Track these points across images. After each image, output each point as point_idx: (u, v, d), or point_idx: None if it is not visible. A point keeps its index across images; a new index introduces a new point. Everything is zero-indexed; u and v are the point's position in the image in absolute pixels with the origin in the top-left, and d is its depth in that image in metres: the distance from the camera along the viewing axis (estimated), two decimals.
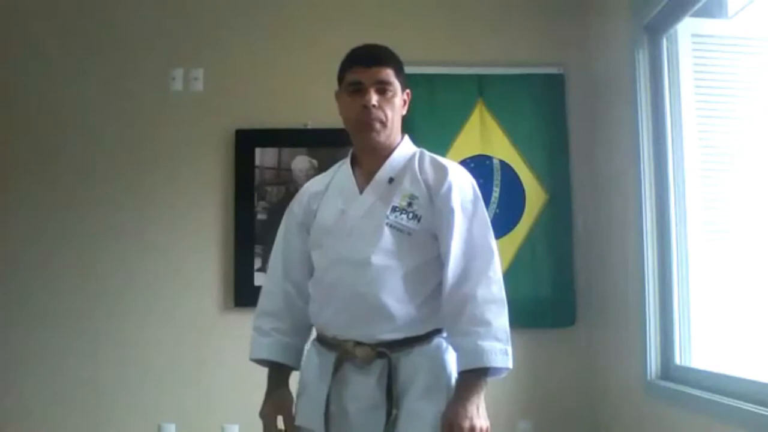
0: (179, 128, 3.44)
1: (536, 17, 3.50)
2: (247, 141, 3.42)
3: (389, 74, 1.75)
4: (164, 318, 3.34)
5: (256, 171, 3.40)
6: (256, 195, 3.39)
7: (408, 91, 1.83)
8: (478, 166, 3.40)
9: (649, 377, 2.80)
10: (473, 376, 1.64)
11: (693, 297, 2.69)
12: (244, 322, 3.29)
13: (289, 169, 3.37)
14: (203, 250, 3.39)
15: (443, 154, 3.31)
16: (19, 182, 3.40)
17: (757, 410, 2.07)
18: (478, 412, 1.62)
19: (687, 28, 2.76)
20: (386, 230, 1.70)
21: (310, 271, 1.83)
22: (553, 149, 3.45)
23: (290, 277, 1.86)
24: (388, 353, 1.66)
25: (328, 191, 1.83)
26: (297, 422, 1.78)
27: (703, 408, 2.38)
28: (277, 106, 3.41)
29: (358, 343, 1.68)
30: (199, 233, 3.40)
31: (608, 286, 3.26)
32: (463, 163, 3.36)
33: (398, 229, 1.70)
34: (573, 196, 3.44)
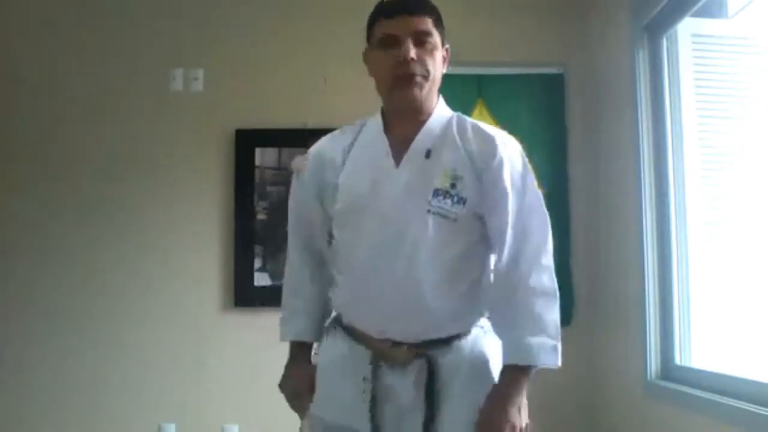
0: (179, 128, 3.44)
1: (536, 17, 3.50)
2: (247, 141, 3.42)
3: (428, 23, 1.54)
4: (164, 318, 3.34)
5: (256, 171, 3.39)
6: (256, 195, 3.39)
7: (447, 47, 1.61)
8: None
9: (649, 377, 2.80)
10: (518, 373, 1.50)
11: (693, 297, 2.70)
12: (244, 322, 3.33)
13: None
14: (203, 250, 3.39)
15: None
16: (18, 182, 3.40)
17: (757, 410, 2.07)
18: (520, 413, 1.49)
19: (687, 28, 2.76)
20: (429, 218, 1.49)
21: (330, 238, 1.64)
22: (552, 149, 3.44)
23: (312, 247, 1.70)
24: (427, 353, 1.51)
25: (350, 158, 1.59)
26: (315, 411, 1.62)
27: (703, 408, 2.38)
28: (277, 106, 3.41)
29: (396, 344, 1.51)
30: (199, 233, 3.40)
31: (608, 286, 3.26)
32: None
33: (443, 216, 1.50)
34: (571, 196, 3.43)
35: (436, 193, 1.51)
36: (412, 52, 1.51)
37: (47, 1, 3.51)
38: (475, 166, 1.54)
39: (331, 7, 3.46)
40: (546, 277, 1.54)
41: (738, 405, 2.16)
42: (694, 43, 2.77)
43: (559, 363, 1.53)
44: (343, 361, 1.58)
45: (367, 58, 1.64)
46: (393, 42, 1.53)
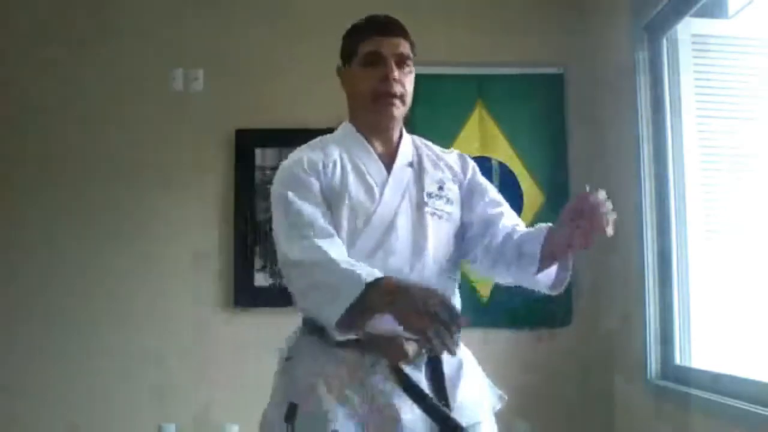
0: (179, 128, 3.44)
1: (536, 17, 3.50)
2: (247, 141, 3.42)
3: (408, 47, 1.65)
4: (164, 318, 3.34)
5: (257, 171, 3.39)
6: (256, 195, 3.39)
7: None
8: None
9: (649, 377, 2.80)
10: None
11: (693, 297, 2.70)
12: (244, 322, 3.33)
13: None
14: (203, 250, 3.39)
15: None
16: (18, 183, 3.40)
17: (757, 410, 2.07)
18: None
19: (687, 28, 2.76)
20: (429, 218, 1.62)
21: None
22: (551, 150, 3.45)
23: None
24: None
25: (346, 165, 1.61)
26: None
27: (703, 408, 2.38)
28: (277, 106, 3.41)
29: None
30: (199, 233, 3.40)
31: (608, 286, 3.26)
32: None
33: (438, 216, 1.64)
34: (571, 196, 3.43)
35: (430, 195, 1.65)
36: (396, 73, 1.60)
37: (47, 4, 3.51)
38: (455, 175, 1.72)
39: (332, 7, 3.46)
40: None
41: (738, 405, 2.16)
42: (694, 43, 2.77)
43: None
44: (335, 365, 1.52)
45: (345, 74, 1.69)
46: (377, 60, 1.61)
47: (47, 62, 3.45)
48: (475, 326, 3.44)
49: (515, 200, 3.39)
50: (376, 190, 1.60)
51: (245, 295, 3.32)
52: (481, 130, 3.44)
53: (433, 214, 1.63)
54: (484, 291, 3.32)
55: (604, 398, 3.25)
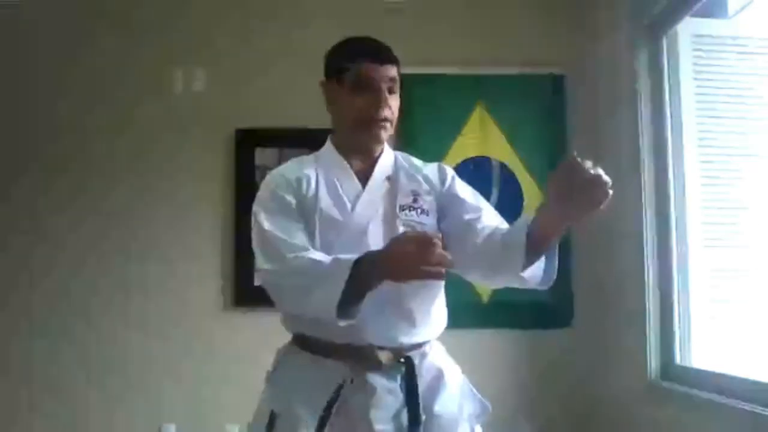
0: (179, 128, 3.44)
1: (536, 18, 3.50)
2: (247, 141, 3.42)
3: (396, 72, 1.68)
4: (164, 318, 3.34)
5: (257, 171, 3.39)
6: (256, 195, 3.38)
7: None
8: (478, 168, 3.40)
9: (649, 377, 2.80)
10: None
11: (693, 296, 2.70)
12: (244, 322, 3.33)
13: None
14: (203, 250, 3.39)
15: (443, 155, 3.35)
16: (17, 185, 3.40)
17: (757, 410, 2.07)
18: None
19: (687, 28, 2.76)
20: (401, 229, 1.63)
21: None
22: (552, 150, 3.44)
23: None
24: (410, 356, 1.61)
25: (321, 182, 1.70)
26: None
27: (703, 408, 2.39)
28: (277, 106, 3.41)
29: (379, 348, 1.58)
30: (199, 233, 3.40)
31: (608, 286, 3.26)
32: (463, 164, 3.37)
33: (411, 227, 1.65)
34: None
35: (402, 207, 1.67)
36: (388, 99, 1.65)
37: (47, 2, 3.50)
38: (432, 186, 1.73)
39: (332, 7, 3.46)
40: None
41: (738, 405, 2.17)
42: (694, 43, 2.77)
43: None
44: (312, 383, 1.60)
45: (331, 91, 1.72)
46: (369, 86, 1.64)
47: (47, 61, 3.45)
48: (475, 326, 3.46)
49: (515, 200, 3.40)
50: (348, 205, 1.66)
51: (245, 295, 3.32)
52: (481, 131, 3.44)
53: (406, 225, 1.65)
54: (485, 291, 3.32)
55: (604, 398, 3.25)
